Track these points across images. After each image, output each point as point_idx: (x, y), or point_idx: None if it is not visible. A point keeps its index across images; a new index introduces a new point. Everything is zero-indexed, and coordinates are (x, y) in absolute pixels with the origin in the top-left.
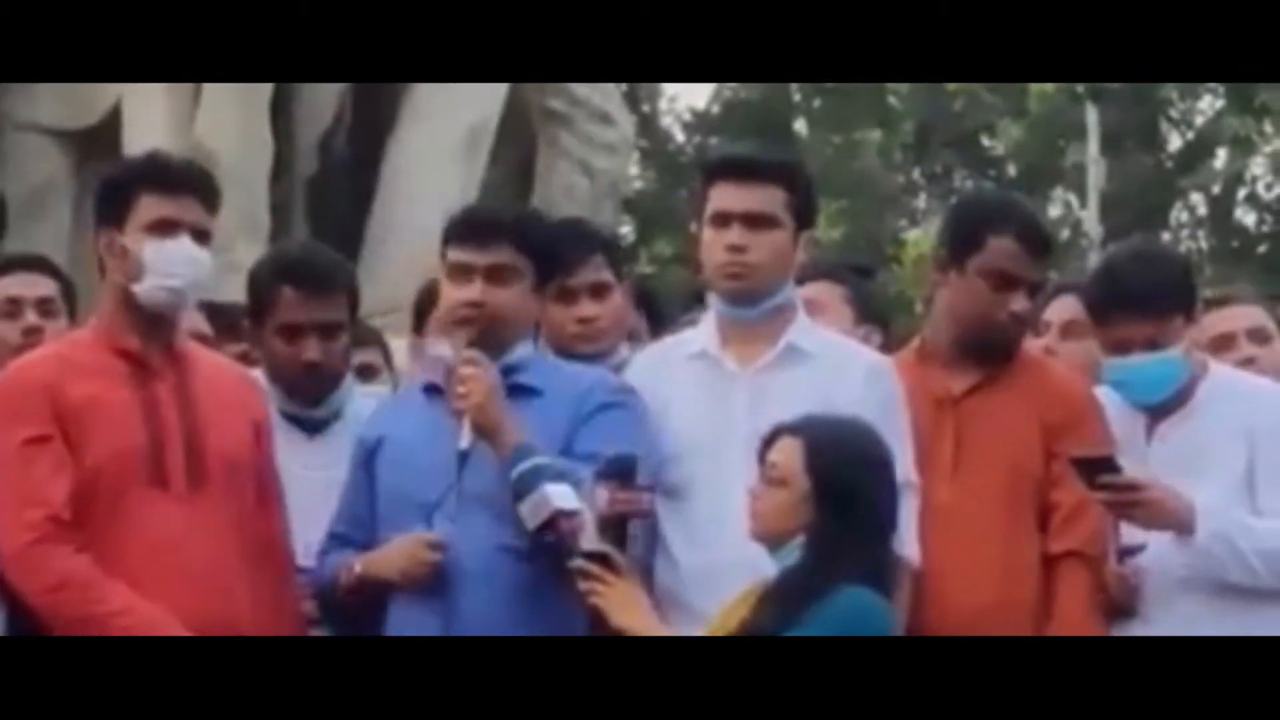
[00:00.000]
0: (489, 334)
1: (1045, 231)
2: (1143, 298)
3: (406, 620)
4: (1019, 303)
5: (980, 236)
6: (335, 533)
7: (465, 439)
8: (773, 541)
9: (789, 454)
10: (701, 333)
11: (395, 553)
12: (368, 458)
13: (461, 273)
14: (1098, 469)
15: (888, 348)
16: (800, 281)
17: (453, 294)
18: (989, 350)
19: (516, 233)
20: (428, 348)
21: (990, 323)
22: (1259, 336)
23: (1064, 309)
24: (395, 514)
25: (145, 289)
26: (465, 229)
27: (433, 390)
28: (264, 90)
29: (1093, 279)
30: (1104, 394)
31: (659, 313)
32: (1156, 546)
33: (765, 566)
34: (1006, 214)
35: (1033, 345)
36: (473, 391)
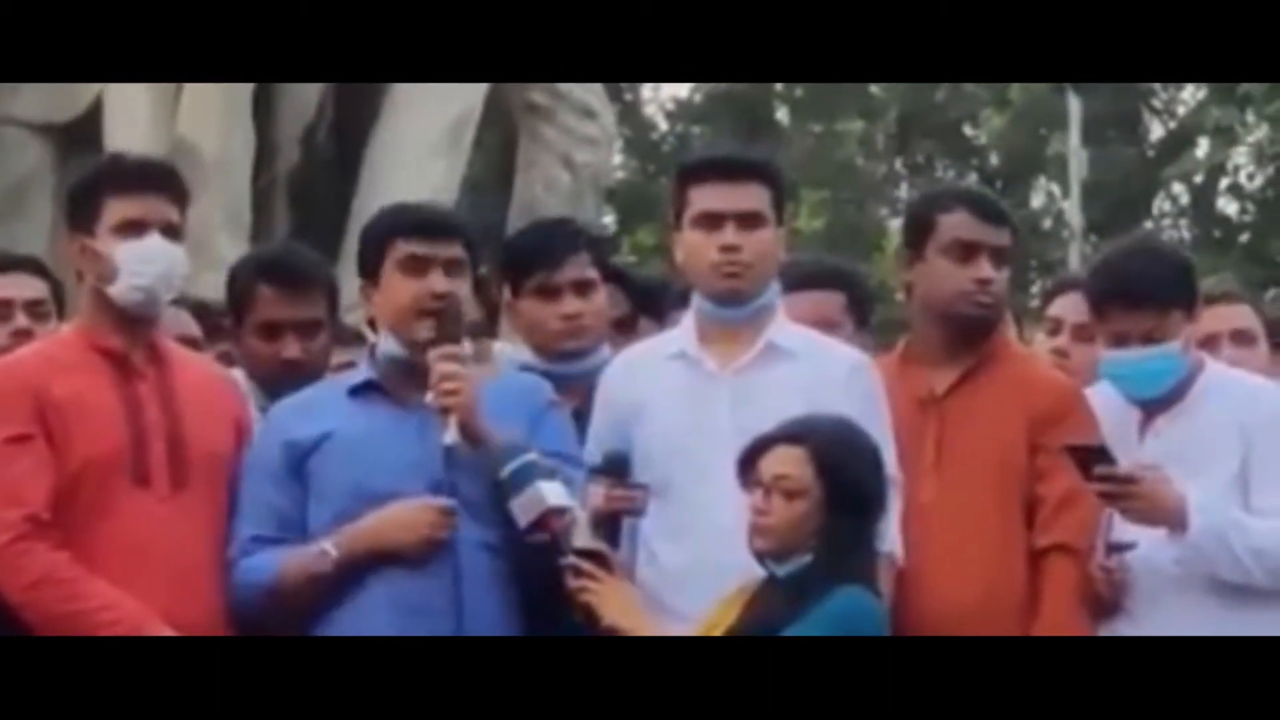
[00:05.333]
0: (452, 327)
1: (993, 199)
2: (1141, 291)
3: (409, 603)
4: (983, 269)
5: (930, 219)
6: (259, 535)
7: (450, 435)
8: (785, 553)
9: (797, 464)
10: (680, 333)
11: (406, 520)
12: (301, 458)
13: (419, 265)
14: (1092, 459)
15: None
16: (791, 288)
17: (412, 286)
18: (968, 329)
19: (466, 231)
20: (380, 344)
21: (960, 296)
22: (1243, 338)
23: (1078, 310)
24: (356, 510)
25: (119, 290)
26: (419, 223)
27: (367, 389)
28: (246, 85)
29: (1092, 272)
30: (1101, 388)
31: (654, 305)
32: (1147, 542)
33: (751, 566)
34: (951, 193)
35: (1044, 345)
36: (460, 389)
